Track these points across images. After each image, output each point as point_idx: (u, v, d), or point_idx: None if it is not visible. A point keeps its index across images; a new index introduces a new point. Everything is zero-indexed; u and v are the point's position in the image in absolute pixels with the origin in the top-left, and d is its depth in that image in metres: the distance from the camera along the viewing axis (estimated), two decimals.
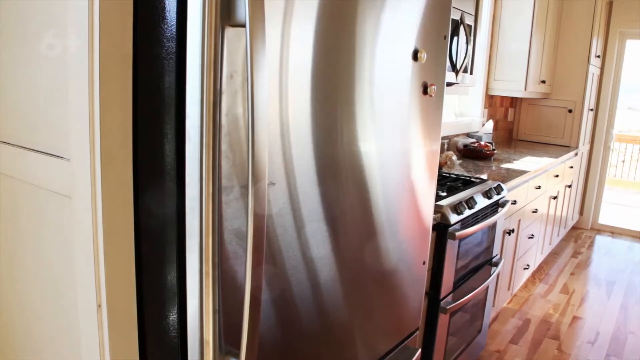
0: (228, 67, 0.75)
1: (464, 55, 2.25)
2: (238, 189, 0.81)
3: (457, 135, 3.43)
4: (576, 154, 4.24)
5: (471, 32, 2.31)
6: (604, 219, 5.25)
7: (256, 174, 0.74)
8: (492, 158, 3.23)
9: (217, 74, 0.74)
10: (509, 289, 3.14)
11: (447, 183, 2.27)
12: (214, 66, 0.73)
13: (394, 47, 1.14)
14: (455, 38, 2.19)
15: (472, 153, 3.12)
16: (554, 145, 4.29)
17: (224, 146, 0.77)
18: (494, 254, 2.47)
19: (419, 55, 1.21)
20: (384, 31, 1.09)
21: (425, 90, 1.28)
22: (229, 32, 0.74)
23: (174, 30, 0.77)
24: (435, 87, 1.30)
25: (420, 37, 1.22)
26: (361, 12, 1.01)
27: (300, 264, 0.98)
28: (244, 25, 0.71)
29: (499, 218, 2.29)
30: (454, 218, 1.87)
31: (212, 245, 0.78)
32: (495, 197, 2.25)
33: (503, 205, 2.34)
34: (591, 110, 4.64)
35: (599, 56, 4.53)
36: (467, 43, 2.23)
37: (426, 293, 1.86)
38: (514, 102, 4.44)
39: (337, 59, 0.98)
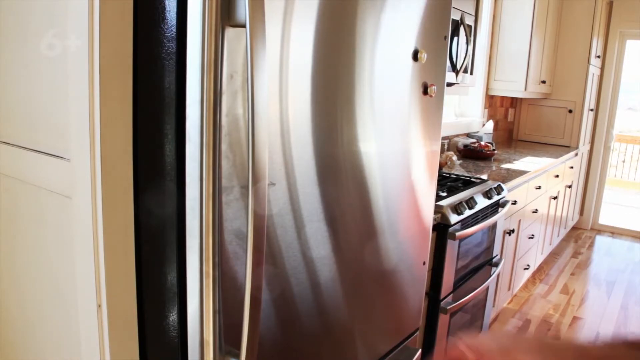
0: (228, 67, 0.75)
1: (464, 55, 2.25)
2: (238, 189, 0.81)
3: (458, 136, 3.43)
4: (576, 154, 4.24)
5: (471, 32, 2.31)
6: (604, 219, 5.25)
7: (256, 174, 0.74)
8: (493, 158, 3.23)
9: (217, 74, 0.74)
10: (509, 289, 3.14)
11: (447, 183, 2.27)
12: (214, 66, 0.73)
13: (394, 47, 1.14)
14: (456, 38, 2.19)
15: (473, 153, 3.12)
16: (554, 146, 4.29)
17: (224, 146, 0.77)
18: (494, 254, 2.47)
19: (419, 55, 1.21)
20: (384, 31, 1.09)
21: (425, 91, 1.28)
22: (229, 32, 0.74)
23: (174, 30, 0.77)
24: (435, 87, 1.30)
25: (421, 37, 1.22)
26: (361, 12, 1.01)
27: (300, 264, 0.98)
28: (244, 26, 0.71)
29: (499, 218, 2.29)
30: (454, 218, 1.87)
31: (212, 246, 0.78)
32: (496, 198, 2.25)
33: (503, 205, 2.34)
34: (591, 110, 4.64)
35: (599, 56, 4.53)
36: (467, 43, 2.23)
37: (426, 293, 1.86)
38: (514, 102, 4.44)
39: (337, 59, 0.98)
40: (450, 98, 3.58)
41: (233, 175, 0.80)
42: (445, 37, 1.34)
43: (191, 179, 0.78)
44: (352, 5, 0.99)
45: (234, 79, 0.77)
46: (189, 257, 0.80)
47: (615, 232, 5.15)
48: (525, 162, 3.20)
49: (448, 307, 1.90)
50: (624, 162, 7.55)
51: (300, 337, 1.03)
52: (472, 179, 2.41)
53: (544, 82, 4.02)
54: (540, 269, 3.97)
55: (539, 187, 3.21)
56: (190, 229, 0.79)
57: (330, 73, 0.96)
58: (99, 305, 0.86)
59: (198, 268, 0.79)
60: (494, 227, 2.37)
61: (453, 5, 1.88)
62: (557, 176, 3.65)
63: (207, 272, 0.79)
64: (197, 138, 0.75)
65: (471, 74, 2.44)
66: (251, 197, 0.74)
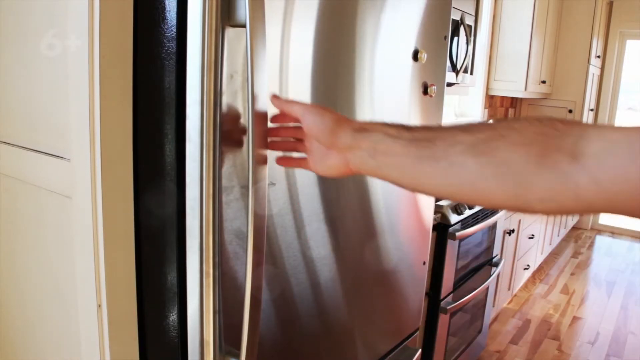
0: (228, 67, 0.75)
1: (464, 55, 2.25)
2: (238, 189, 0.81)
3: None
4: None
5: (471, 32, 2.31)
6: (604, 219, 5.25)
7: (256, 174, 0.74)
8: None
9: (218, 74, 0.74)
10: (509, 289, 3.14)
11: None
12: (214, 66, 0.73)
13: (394, 47, 1.14)
14: (456, 38, 2.19)
15: None
16: None
17: (224, 146, 0.77)
18: (494, 254, 2.47)
19: (419, 55, 1.21)
20: (384, 31, 1.09)
21: (425, 91, 1.28)
22: (229, 32, 0.74)
23: (174, 30, 0.77)
24: (435, 87, 1.30)
25: (421, 37, 1.22)
26: (361, 12, 1.01)
27: (300, 264, 0.98)
28: (244, 26, 0.71)
29: (499, 218, 2.29)
30: (454, 218, 1.87)
31: (212, 246, 0.78)
32: None
33: None
34: (591, 110, 4.64)
35: (599, 56, 4.53)
36: (467, 43, 2.23)
37: (426, 293, 1.86)
38: (514, 102, 4.44)
39: (337, 58, 0.98)
40: (450, 98, 3.58)
41: (233, 175, 0.80)
42: (445, 37, 1.34)
43: (191, 179, 0.78)
44: (352, 5, 0.99)
45: (234, 79, 0.77)
46: (189, 257, 0.80)
47: (615, 232, 5.15)
48: None
49: (448, 307, 1.90)
50: None
51: (300, 337, 1.03)
52: None
53: (544, 82, 4.02)
54: (540, 269, 3.97)
55: None
56: (190, 229, 0.79)
57: (330, 73, 0.96)
58: (99, 305, 0.86)
59: (198, 268, 0.79)
60: (494, 227, 2.37)
61: (453, 5, 1.88)
62: None
63: (207, 272, 0.79)
64: (197, 138, 0.75)
65: (471, 74, 2.44)
66: (251, 197, 0.74)
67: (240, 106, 0.78)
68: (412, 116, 1.26)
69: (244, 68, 0.77)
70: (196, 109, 0.74)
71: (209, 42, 0.72)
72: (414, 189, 0.63)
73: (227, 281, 0.82)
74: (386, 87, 1.13)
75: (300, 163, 0.75)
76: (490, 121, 0.58)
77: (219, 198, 0.78)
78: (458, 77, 2.24)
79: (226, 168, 0.78)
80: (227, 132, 0.76)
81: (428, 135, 0.60)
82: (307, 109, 0.69)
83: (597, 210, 0.50)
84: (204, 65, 0.73)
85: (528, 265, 3.43)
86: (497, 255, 2.51)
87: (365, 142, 0.64)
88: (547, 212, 0.53)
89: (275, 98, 0.73)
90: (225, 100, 0.76)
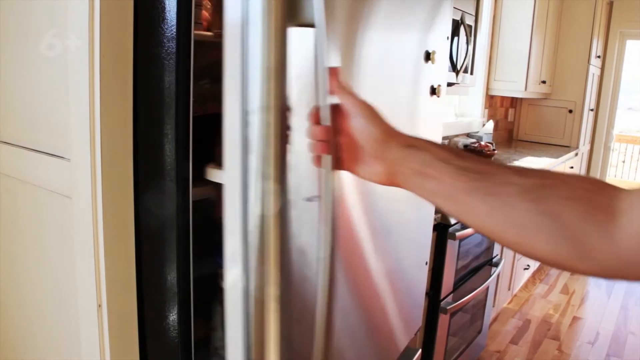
0: (293, 70, 0.70)
1: (464, 55, 2.25)
2: (303, 202, 0.78)
3: (458, 136, 3.43)
4: (576, 154, 4.23)
5: (471, 32, 2.31)
6: None
7: (328, 184, 0.68)
8: (493, 158, 3.22)
9: (283, 78, 0.67)
10: (509, 289, 3.14)
11: None
12: (280, 70, 0.67)
13: (398, 47, 1.14)
14: (456, 38, 2.19)
15: (473, 153, 3.12)
16: (554, 146, 4.29)
17: (289, 156, 0.72)
18: (494, 254, 2.47)
19: (431, 56, 1.20)
20: (389, 32, 1.09)
21: (433, 91, 1.28)
22: (294, 32, 0.69)
23: (174, 30, 0.77)
24: (442, 87, 1.30)
25: (425, 38, 1.22)
26: (375, 14, 1.01)
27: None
28: (309, 26, 0.67)
29: None
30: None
31: (278, 266, 0.73)
32: None
33: None
34: (591, 110, 4.64)
35: (599, 56, 4.53)
36: (467, 43, 2.23)
37: (426, 293, 1.86)
38: (514, 102, 4.44)
39: (352, 60, 0.98)
40: (451, 98, 3.58)
41: (299, 188, 0.76)
42: (448, 38, 1.34)
43: (254, 193, 0.71)
44: (369, 7, 0.98)
45: (298, 83, 0.72)
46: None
47: None
48: (526, 162, 3.20)
49: (448, 307, 1.90)
50: (624, 162, 7.55)
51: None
52: None
53: (544, 82, 4.02)
54: (540, 269, 3.97)
55: None
56: (251, 246, 0.73)
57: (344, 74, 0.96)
58: (99, 305, 0.86)
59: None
60: None
61: (453, 5, 1.88)
62: None
63: (275, 296, 0.73)
64: (260, 148, 0.69)
65: (471, 74, 2.44)
66: (323, 210, 0.69)
67: (306, 112, 0.71)
68: (413, 116, 1.26)
69: (309, 71, 0.72)
70: (259, 117, 0.68)
71: (273, 43, 0.66)
72: (457, 218, 0.61)
73: (295, 303, 0.77)
74: (388, 87, 1.13)
75: (340, 165, 0.69)
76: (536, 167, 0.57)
77: (284, 213, 0.71)
78: (458, 77, 2.24)
79: (291, 180, 0.72)
80: (292, 141, 0.69)
81: (479, 167, 0.58)
82: (359, 109, 0.63)
83: (636, 272, 0.49)
84: (267, 68, 0.66)
85: (528, 265, 3.43)
86: (497, 255, 2.51)
87: (413, 162, 0.62)
88: (587, 272, 0.53)
89: (334, 76, 0.64)
90: (290, 106, 0.70)
